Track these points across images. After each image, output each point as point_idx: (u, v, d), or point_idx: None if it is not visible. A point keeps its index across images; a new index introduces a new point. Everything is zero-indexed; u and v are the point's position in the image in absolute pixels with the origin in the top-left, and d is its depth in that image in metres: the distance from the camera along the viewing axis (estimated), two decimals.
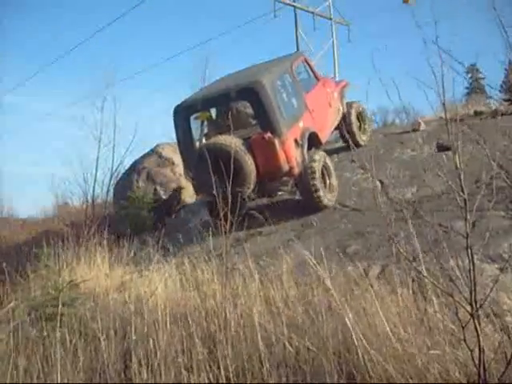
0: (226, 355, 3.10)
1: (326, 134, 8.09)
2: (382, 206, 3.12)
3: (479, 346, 2.40)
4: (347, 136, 7.96)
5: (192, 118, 7.10)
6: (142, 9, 50.69)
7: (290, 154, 6.60)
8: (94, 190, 13.87)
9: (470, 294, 2.44)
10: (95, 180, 14.15)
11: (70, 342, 3.51)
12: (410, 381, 2.60)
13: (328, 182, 7.16)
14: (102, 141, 14.46)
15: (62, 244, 6.44)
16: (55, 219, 12.63)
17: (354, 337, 2.84)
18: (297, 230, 6.38)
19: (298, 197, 7.25)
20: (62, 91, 46.06)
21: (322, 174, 7.00)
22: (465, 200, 2.48)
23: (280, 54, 8.65)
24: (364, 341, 2.79)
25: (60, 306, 3.90)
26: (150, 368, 3.18)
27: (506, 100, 9.93)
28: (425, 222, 2.91)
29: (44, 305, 4.26)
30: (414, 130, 9.62)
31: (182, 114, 7.11)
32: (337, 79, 8.96)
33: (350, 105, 8.99)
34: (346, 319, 2.92)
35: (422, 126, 9.65)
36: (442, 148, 7.05)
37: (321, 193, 6.82)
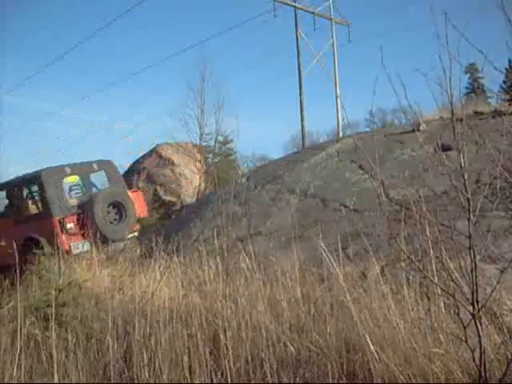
0: (228, 355, 3.10)
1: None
2: (381, 206, 3.12)
3: (480, 346, 2.40)
4: None
5: None
6: (142, 9, 50.71)
7: None
8: None
9: (472, 294, 2.44)
10: None
11: (71, 341, 3.51)
12: (413, 380, 2.60)
13: None
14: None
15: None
16: None
17: (360, 333, 2.84)
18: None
19: None
20: (61, 91, 46.13)
21: None
22: (468, 200, 2.47)
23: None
24: (368, 338, 2.79)
25: (61, 306, 3.90)
26: (151, 368, 3.18)
27: (506, 100, 9.92)
28: (425, 222, 2.90)
29: (44, 305, 4.26)
30: (414, 130, 9.62)
31: None
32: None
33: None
34: (353, 313, 2.92)
35: (422, 126, 9.64)
36: (443, 148, 7.04)
37: None
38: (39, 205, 8.48)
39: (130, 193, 9.10)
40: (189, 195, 16.45)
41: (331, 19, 19.27)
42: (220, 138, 19.09)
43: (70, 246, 7.78)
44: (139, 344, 3.33)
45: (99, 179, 9.11)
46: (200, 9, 55.44)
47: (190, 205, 14.14)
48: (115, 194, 8.54)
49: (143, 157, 18.28)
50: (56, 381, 3.17)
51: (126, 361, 3.40)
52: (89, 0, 52.95)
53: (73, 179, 8.66)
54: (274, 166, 10.99)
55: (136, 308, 3.79)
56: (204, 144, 18.67)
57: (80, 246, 7.88)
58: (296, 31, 18.55)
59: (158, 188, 16.43)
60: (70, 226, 7.88)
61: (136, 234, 8.87)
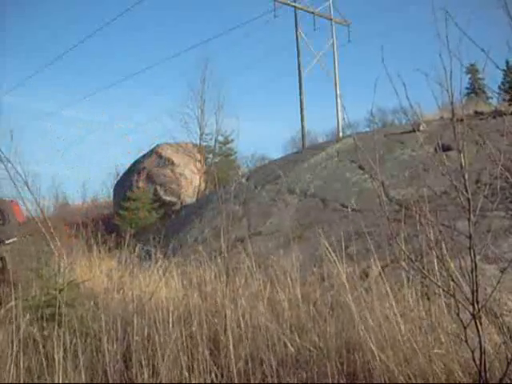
0: (228, 355, 3.10)
1: None
2: (382, 206, 3.11)
3: (480, 346, 2.39)
4: None
5: None
6: (142, 8, 50.75)
7: None
8: None
9: (472, 294, 2.43)
10: None
11: (71, 342, 3.50)
12: (413, 380, 2.59)
13: None
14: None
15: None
16: (55, 219, 12.63)
17: (361, 333, 2.84)
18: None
19: None
20: (61, 91, 46.16)
21: None
22: (468, 200, 2.47)
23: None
24: (369, 338, 2.79)
25: (60, 306, 3.88)
26: (151, 368, 3.17)
27: (506, 100, 9.91)
28: (425, 222, 2.90)
29: (44, 305, 4.24)
30: (414, 130, 9.61)
31: None
32: None
33: None
34: (354, 313, 2.91)
35: (422, 126, 9.63)
36: (443, 148, 7.04)
37: None
38: None
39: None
40: (189, 195, 16.46)
41: (331, 19, 19.26)
42: (220, 138, 19.08)
43: None
44: (139, 344, 3.32)
45: None
46: (200, 8, 55.31)
47: (189, 205, 14.15)
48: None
49: (143, 157, 18.28)
50: (56, 381, 3.16)
51: (125, 361, 3.40)
52: (88, 0, 52.90)
53: None
54: (274, 166, 10.98)
55: (136, 308, 3.79)
56: (204, 144, 18.67)
57: None
58: (296, 31, 18.53)
59: (158, 188, 16.44)
60: None
61: (16, 239, 9.58)
